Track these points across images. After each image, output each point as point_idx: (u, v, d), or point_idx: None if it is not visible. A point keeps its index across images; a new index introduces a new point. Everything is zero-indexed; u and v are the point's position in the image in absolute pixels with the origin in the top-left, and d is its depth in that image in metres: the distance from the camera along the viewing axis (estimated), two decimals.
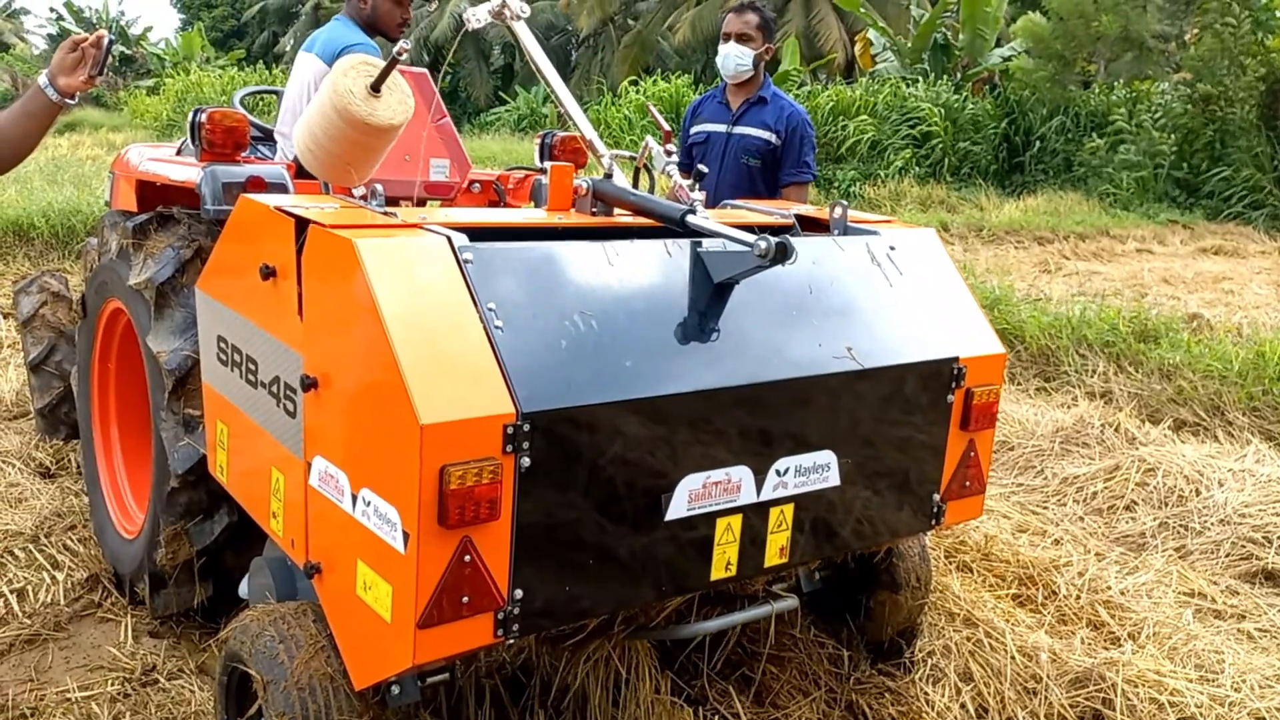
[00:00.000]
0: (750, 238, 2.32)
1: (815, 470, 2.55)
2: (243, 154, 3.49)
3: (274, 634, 2.42)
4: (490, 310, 2.13)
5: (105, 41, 2.78)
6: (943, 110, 19.21)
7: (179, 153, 4.29)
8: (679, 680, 3.25)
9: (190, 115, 3.46)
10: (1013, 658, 3.38)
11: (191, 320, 3.20)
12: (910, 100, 19.28)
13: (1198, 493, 4.89)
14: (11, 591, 3.67)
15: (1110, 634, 3.68)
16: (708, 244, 2.51)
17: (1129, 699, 3.17)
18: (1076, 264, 12.75)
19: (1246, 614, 4.00)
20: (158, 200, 3.83)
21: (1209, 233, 15.80)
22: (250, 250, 2.59)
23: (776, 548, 2.53)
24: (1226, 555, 4.45)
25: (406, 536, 2.01)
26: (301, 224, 2.37)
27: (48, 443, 4.93)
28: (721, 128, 4.88)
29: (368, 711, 2.40)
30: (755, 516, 2.47)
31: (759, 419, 2.42)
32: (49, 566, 3.86)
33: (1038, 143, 20.00)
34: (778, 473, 2.47)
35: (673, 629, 2.88)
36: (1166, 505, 4.88)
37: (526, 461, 2.06)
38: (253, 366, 2.63)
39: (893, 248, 2.89)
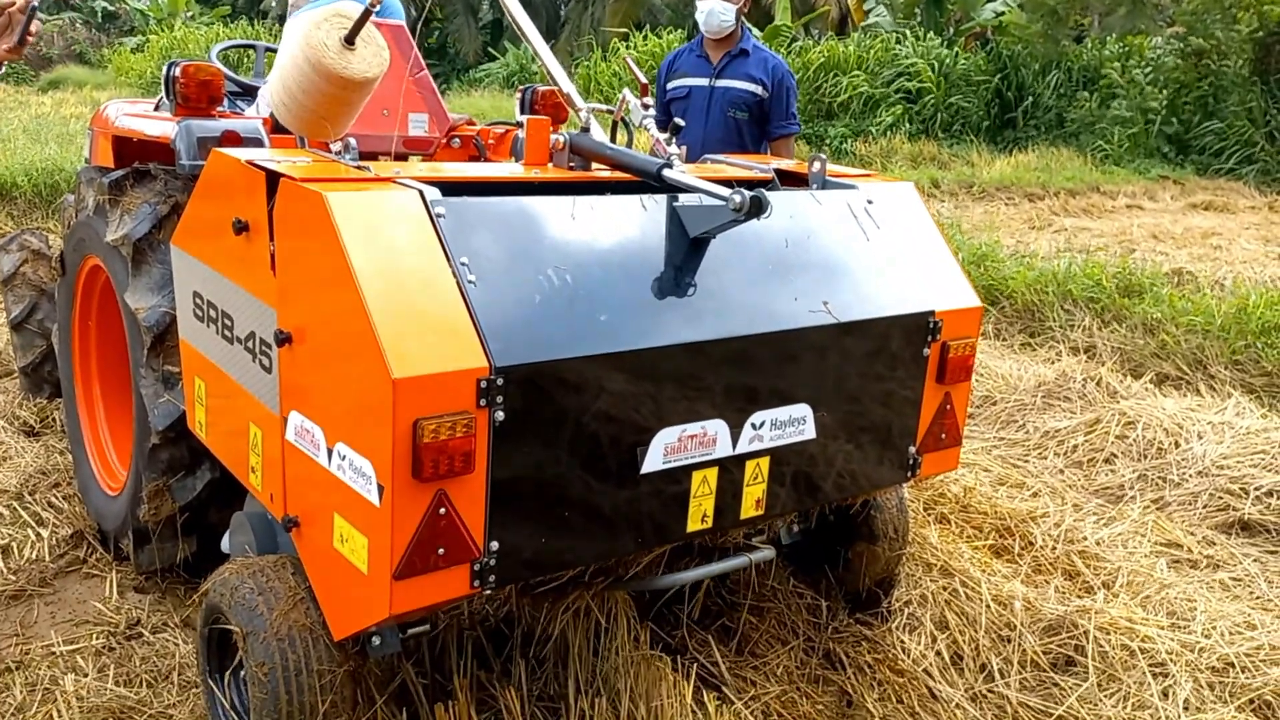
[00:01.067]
0: (725, 192, 2.32)
1: (791, 424, 2.56)
2: (219, 108, 3.46)
3: (253, 586, 2.44)
4: (463, 265, 2.14)
5: (31, 7, 2.71)
6: (935, 66, 19.06)
7: (156, 108, 4.26)
8: (659, 630, 3.30)
9: (164, 69, 3.43)
10: (988, 606, 3.43)
11: (169, 276, 3.19)
12: (902, 56, 19.12)
13: (1177, 445, 4.94)
14: None
15: (1084, 583, 3.73)
16: (684, 198, 2.51)
17: (1100, 645, 3.22)
18: (1066, 220, 12.73)
19: (1221, 564, 4.06)
20: (135, 156, 3.81)
21: (1200, 188, 15.76)
22: (223, 205, 2.59)
23: (753, 500, 2.55)
24: (1204, 506, 4.51)
25: (381, 490, 2.03)
26: (273, 178, 2.36)
27: (31, 401, 4.94)
28: (703, 81, 4.85)
29: (347, 662, 2.43)
30: (731, 470, 2.49)
31: (736, 373, 2.43)
32: (33, 524, 3.88)
33: (1030, 98, 19.86)
34: (753, 426, 2.49)
35: (649, 580, 2.91)
36: (1146, 458, 4.93)
37: (500, 415, 2.08)
38: (228, 322, 2.64)
39: (870, 202, 2.89)
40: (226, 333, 2.66)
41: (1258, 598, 3.77)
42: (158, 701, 2.89)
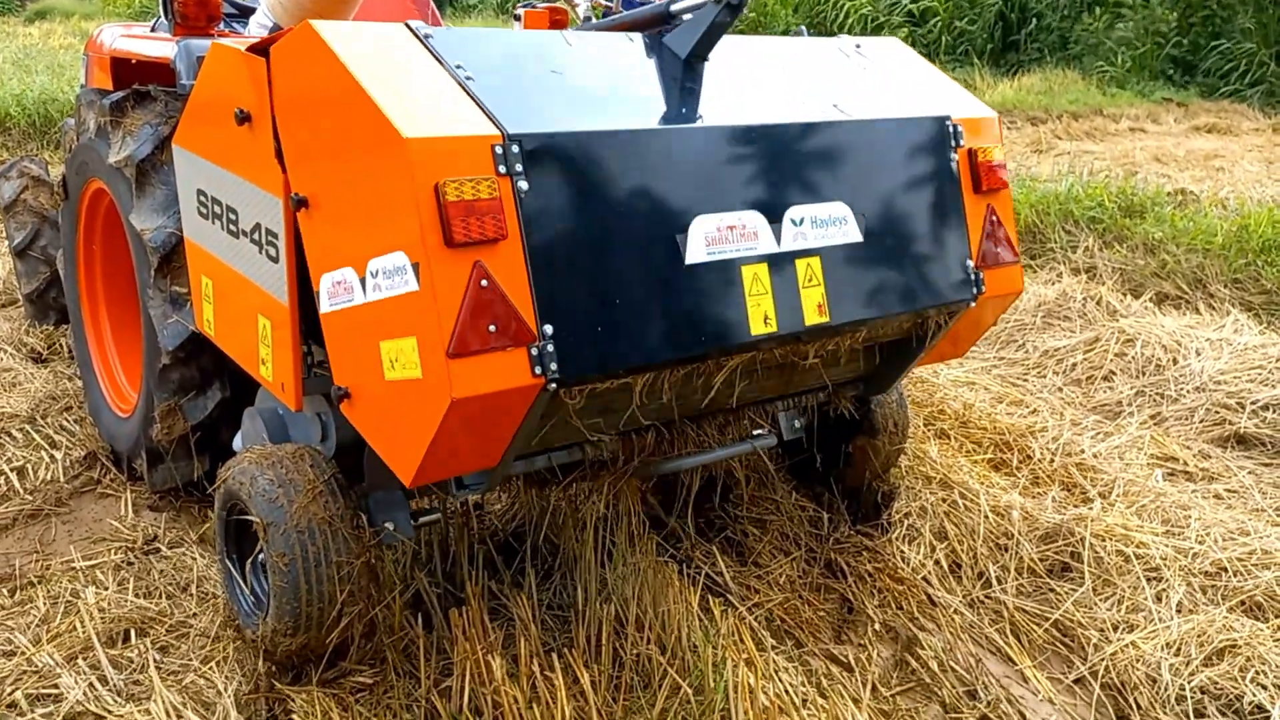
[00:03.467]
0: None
1: (832, 223, 2.55)
2: (217, 28, 3.43)
3: (272, 478, 2.50)
4: (459, 68, 2.18)
5: None
6: None
7: (153, 30, 4.22)
8: (664, 544, 3.37)
9: None
10: (986, 517, 3.50)
11: (174, 197, 3.20)
12: None
13: (1175, 362, 4.98)
14: (12, 469, 3.75)
15: (1081, 494, 3.80)
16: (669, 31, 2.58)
17: (1096, 552, 3.30)
18: (1069, 144, 12.62)
19: (1216, 476, 4.13)
20: (132, 79, 3.78)
21: (1204, 111, 15.59)
22: (224, 97, 2.59)
23: (814, 304, 2.50)
24: (1200, 421, 4.56)
25: (417, 269, 2.01)
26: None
27: (38, 328, 4.97)
28: None
29: (365, 553, 2.51)
30: (782, 268, 2.46)
31: (757, 162, 2.44)
32: (47, 446, 3.94)
33: (1034, 20, 19.54)
34: (793, 222, 2.48)
35: (660, 463, 2.92)
36: (1144, 374, 4.97)
37: (524, 185, 2.07)
38: (233, 216, 2.66)
39: (858, 45, 2.95)
40: (232, 226, 2.68)
41: (1252, 508, 3.84)
42: (179, 611, 2.97)
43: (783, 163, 2.48)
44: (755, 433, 3.14)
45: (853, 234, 2.58)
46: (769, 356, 2.54)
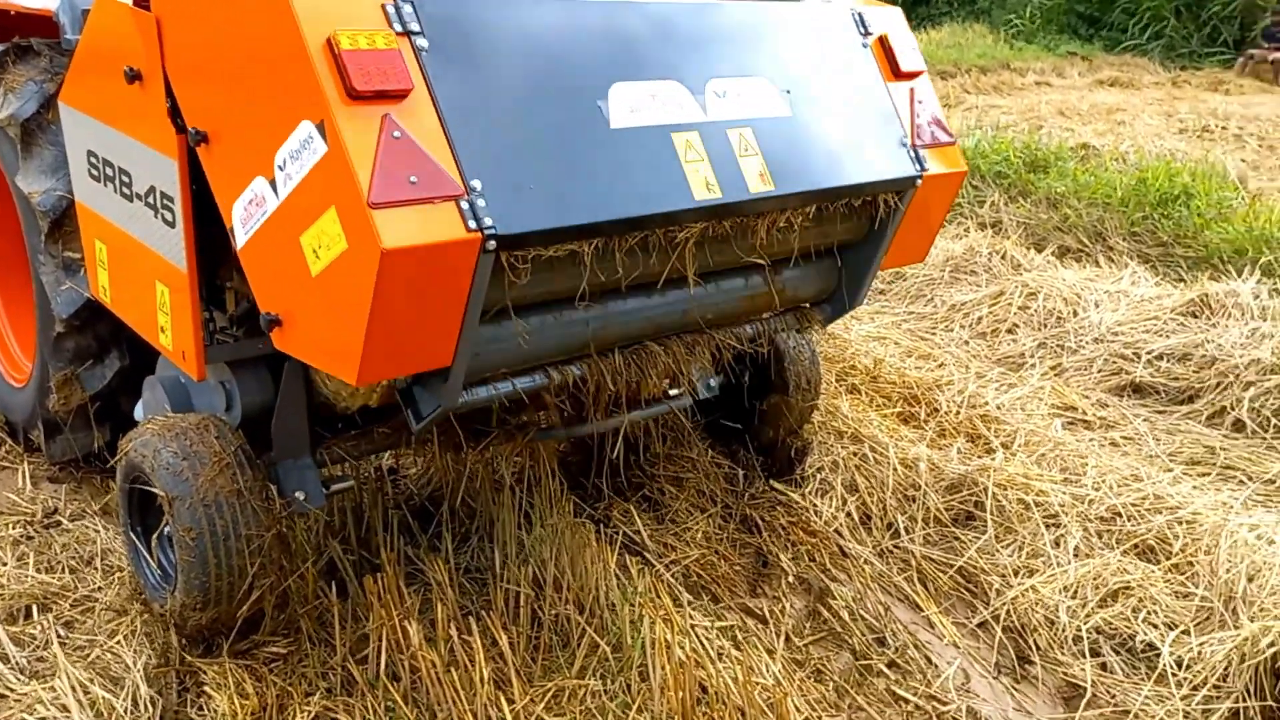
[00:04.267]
0: None
1: (757, 95, 2.55)
2: None
3: (176, 450, 2.44)
4: None
5: None
6: None
7: None
8: (582, 503, 3.39)
9: None
10: (895, 469, 3.60)
11: (64, 158, 3.07)
12: None
13: (1075, 314, 5.15)
14: None
15: (985, 444, 3.93)
16: None
17: (998, 500, 3.42)
18: (977, 98, 12.84)
19: (1113, 424, 4.30)
20: (12, 32, 3.59)
21: (1107, 64, 16.01)
22: (112, 55, 2.48)
23: (756, 173, 2.49)
24: (1099, 371, 4.74)
25: (323, 129, 1.94)
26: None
27: None
28: None
29: (275, 525, 2.47)
30: (713, 136, 2.44)
31: (670, 37, 2.44)
32: None
33: None
34: (717, 94, 2.47)
35: (576, 427, 2.93)
36: (1046, 327, 5.13)
37: (424, 43, 2.04)
38: (126, 178, 2.56)
39: None
40: (125, 190, 2.58)
41: (1145, 454, 4.01)
42: (83, 586, 2.89)
43: (697, 39, 2.46)
44: (672, 392, 3.16)
45: (780, 109, 2.57)
46: (720, 230, 2.51)
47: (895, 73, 2.85)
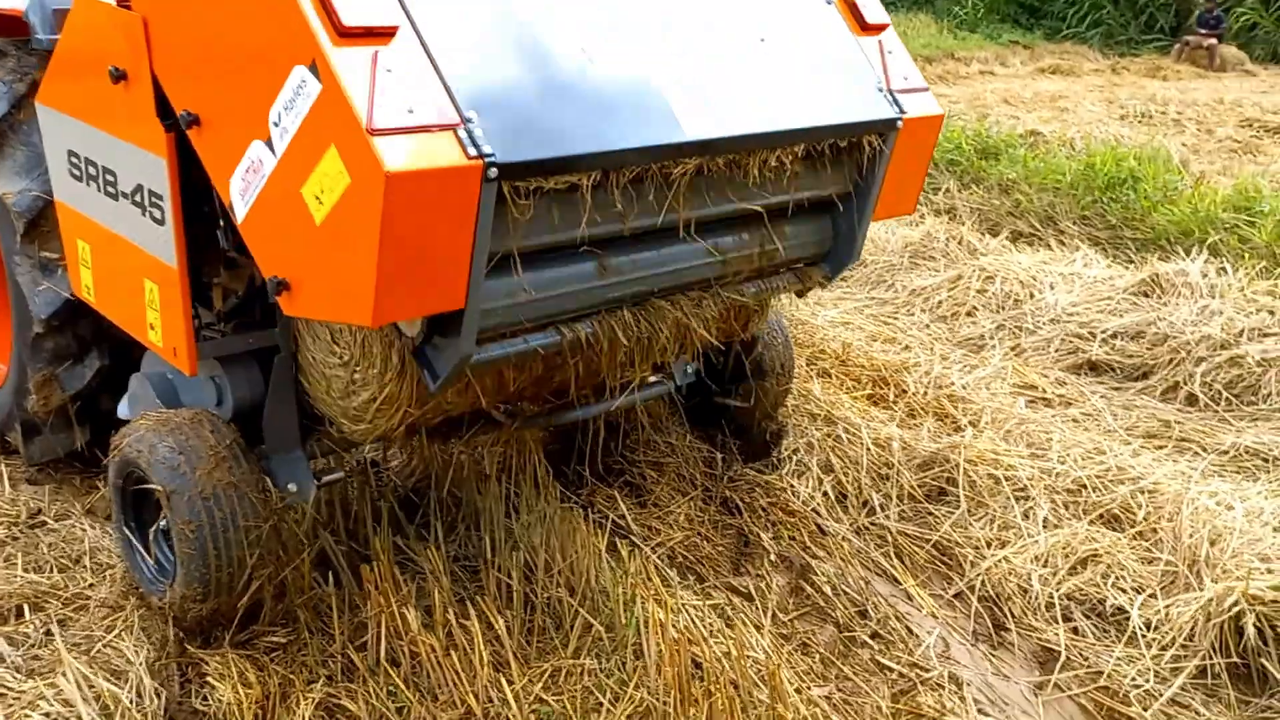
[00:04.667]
0: None
1: (737, 42, 2.60)
2: None
3: (172, 445, 2.46)
4: None
5: None
6: None
7: None
8: (567, 490, 3.45)
9: None
10: (868, 449, 3.70)
11: (37, 158, 3.05)
12: None
13: (1031, 296, 5.30)
14: None
15: (954, 423, 4.05)
16: None
17: (970, 476, 3.53)
18: None
19: (1072, 401, 4.44)
20: None
21: (1048, 53, 16.37)
22: (95, 55, 2.48)
23: (742, 111, 2.52)
24: (1056, 350, 4.89)
25: (316, 69, 1.97)
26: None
27: None
28: None
29: (272, 517, 2.50)
30: (697, 74, 2.47)
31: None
32: None
33: None
34: (695, 38, 2.52)
35: (558, 415, 2.98)
36: (1003, 309, 5.28)
37: None
38: (111, 177, 2.57)
39: None
40: (110, 189, 2.59)
41: (1105, 429, 4.16)
42: (73, 585, 2.89)
43: None
44: (651, 380, 3.24)
45: (761, 55, 2.61)
46: (714, 168, 2.54)
47: (862, 25, 2.90)
